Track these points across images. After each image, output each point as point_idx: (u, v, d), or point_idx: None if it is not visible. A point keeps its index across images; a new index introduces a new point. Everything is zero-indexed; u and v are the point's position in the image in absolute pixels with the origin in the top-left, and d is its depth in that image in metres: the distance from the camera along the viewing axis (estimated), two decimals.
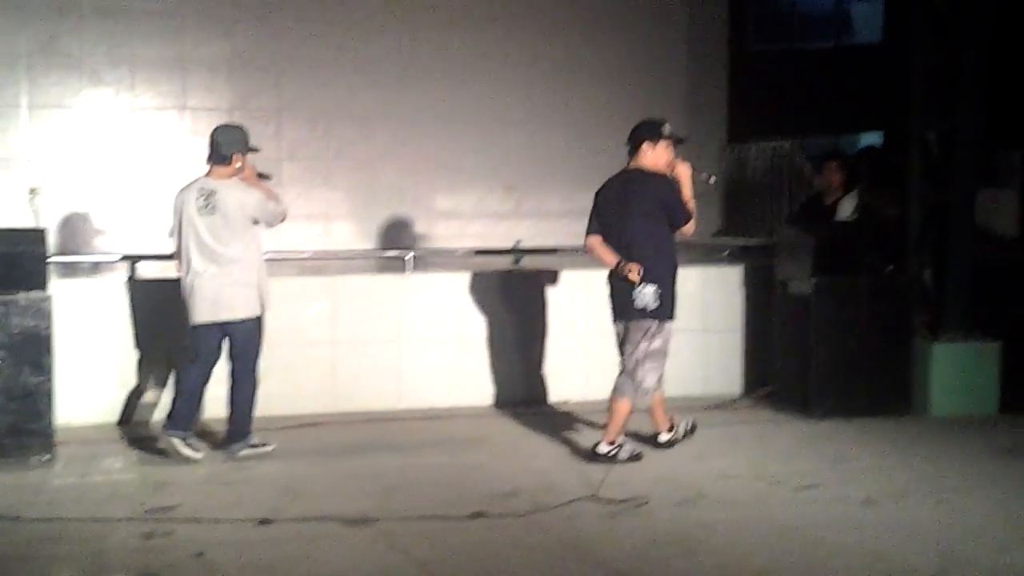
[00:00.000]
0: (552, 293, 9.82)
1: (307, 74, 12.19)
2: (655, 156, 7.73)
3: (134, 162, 11.87)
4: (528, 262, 10.20)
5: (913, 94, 9.59)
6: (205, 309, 7.68)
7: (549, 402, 9.64)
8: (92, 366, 8.79)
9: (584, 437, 8.43)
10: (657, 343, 7.68)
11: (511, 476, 7.39)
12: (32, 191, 10.88)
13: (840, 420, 8.79)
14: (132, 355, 8.92)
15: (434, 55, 12.43)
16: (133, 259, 9.17)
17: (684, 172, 7.76)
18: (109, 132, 11.88)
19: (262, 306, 7.80)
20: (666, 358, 7.77)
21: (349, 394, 9.22)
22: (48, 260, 8.03)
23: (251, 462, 7.75)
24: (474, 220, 12.47)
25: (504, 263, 10.23)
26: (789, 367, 9.38)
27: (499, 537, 6.17)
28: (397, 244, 9.77)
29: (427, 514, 6.48)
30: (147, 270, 9.29)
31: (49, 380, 7.67)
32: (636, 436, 8.12)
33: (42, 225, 9.21)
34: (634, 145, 7.79)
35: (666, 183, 7.74)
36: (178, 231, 7.76)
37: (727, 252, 10.93)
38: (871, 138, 22.01)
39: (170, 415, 7.86)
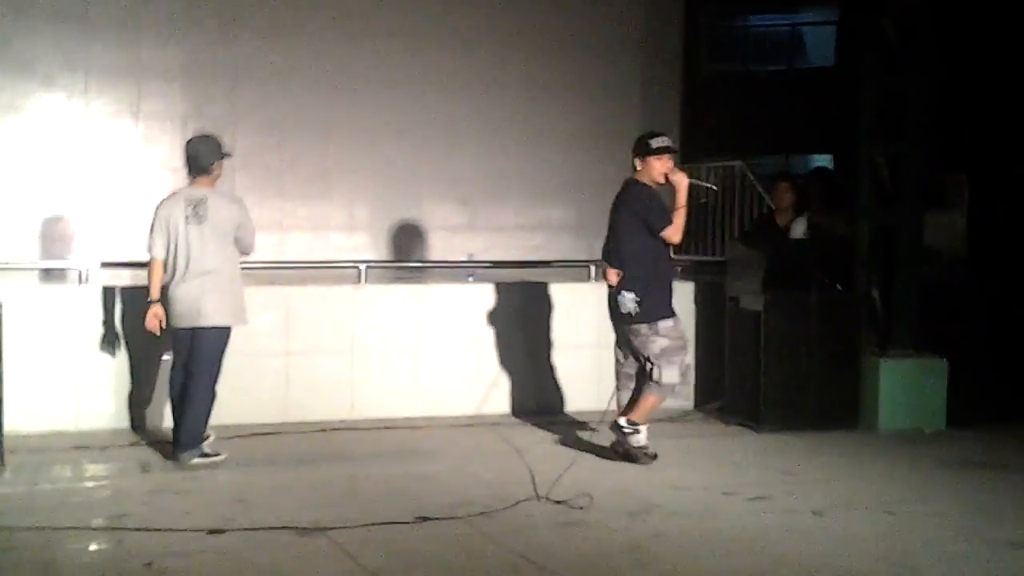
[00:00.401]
0: (505, 305, 9.87)
1: (262, 83, 12.17)
2: (647, 170, 8.06)
3: (87, 168, 11.79)
4: (482, 275, 10.25)
5: (863, 118, 9.78)
6: (185, 315, 7.82)
7: (503, 413, 9.66)
8: (43, 373, 8.73)
9: (537, 447, 8.48)
10: (662, 343, 7.99)
11: (463, 486, 7.40)
12: None
13: (790, 434, 8.88)
14: (85, 362, 8.86)
15: (391, 68, 12.44)
16: (113, 264, 9.18)
17: (680, 181, 8.00)
18: (62, 137, 11.79)
19: (234, 317, 7.92)
20: (683, 352, 8.08)
21: (302, 404, 9.22)
22: None
23: (202, 471, 7.72)
24: (428, 232, 12.48)
25: (458, 275, 10.26)
26: (740, 382, 9.47)
27: (450, 546, 6.17)
28: (351, 255, 9.77)
29: (378, 523, 6.47)
30: (99, 277, 9.26)
31: None
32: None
33: None
34: (633, 159, 8.17)
35: (643, 191, 8.05)
36: (165, 240, 7.84)
37: (679, 268, 10.98)
38: (822, 160, 22.23)
39: (177, 439, 7.87)
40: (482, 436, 8.97)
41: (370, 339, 9.56)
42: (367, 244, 12.14)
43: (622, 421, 8.08)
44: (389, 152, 12.44)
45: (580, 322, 9.88)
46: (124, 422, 8.98)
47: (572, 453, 8.28)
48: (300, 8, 12.31)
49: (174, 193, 8.02)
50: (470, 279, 10.24)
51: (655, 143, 8.07)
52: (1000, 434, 9.15)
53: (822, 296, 9.38)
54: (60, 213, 11.72)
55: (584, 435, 8.84)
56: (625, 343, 8.18)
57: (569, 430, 9.10)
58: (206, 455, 7.86)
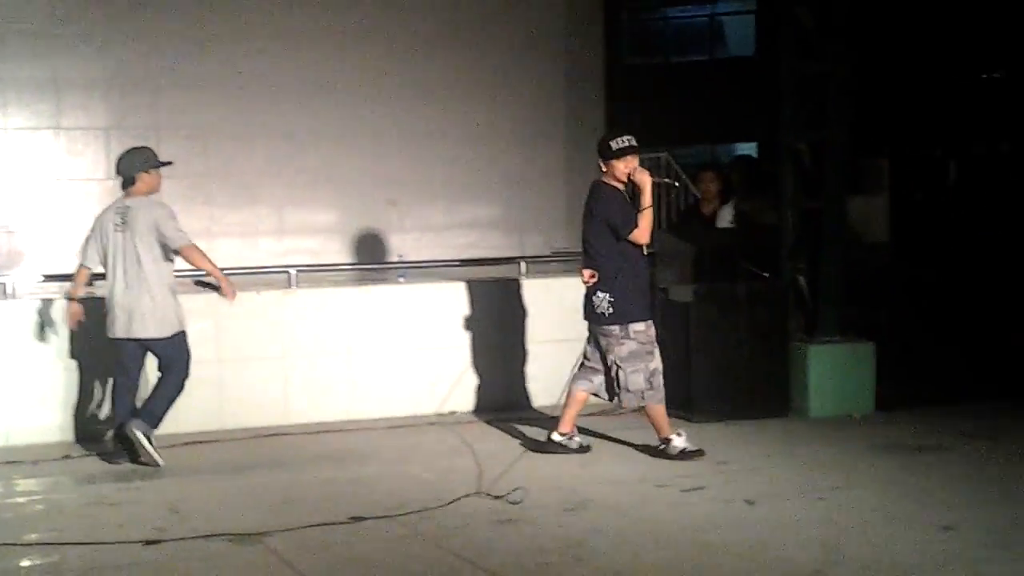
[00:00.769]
0: (436, 306, 9.90)
1: (185, 91, 12.03)
2: (611, 171, 8.04)
3: (5, 184, 11.62)
4: (411, 275, 10.27)
5: (784, 106, 9.87)
6: (120, 325, 8.04)
7: (438, 414, 9.69)
8: None
9: (472, 447, 8.50)
10: (631, 346, 7.98)
11: (400, 488, 7.41)
12: None
13: (721, 423, 8.98)
14: (15, 376, 8.81)
15: (314, 72, 12.36)
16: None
17: (643, 181, 7.98)
18: None
19: (165, 326, 8.04)
20: (650, 359, 8.04)
21: (235, 411, 9.19)
22: None
23: (137, 482, 7.69)
24: (358, 234, 12.45)
25: (388, 276, 10.26)
26: (671, 372, 9.52)
27: (388, 547, 6.18)
28: (281, 260, 9.75)
29: (315, 529, 6.46)
30: (24, 289, 9.19)
31: None
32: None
33: None
34: (598, 161, 8.16)
35: (604, 193, 8.08)
36: (96, 248, 8.11)
37: None
38: (747, 148, 22.46)
39: (137, 412, 8.09)
40: (419, 437, 8.99)
41: (303, 343, 9.54)
42: (296, 249, 12.08)
43: (554, 436, 8.19)
44: (316, 156, 12.39)
45: (520, 319, 9.97)
46: (68, 435, 8.93)
47: (512, 451, 8.31)
48: (221, 15, 12.20)
49: (110, 205, 8.24)
50: (401, 279, 10.25)
51: (615, 144, 8.01)
52: (929, 417, 9.27)
53: (749, 285, 9.48)
54: None
55: (525, 431, 8.89)
56: (595, 343, 8.17)
57: (507, 427, 9.15)
58: (150, 441, 7.97)
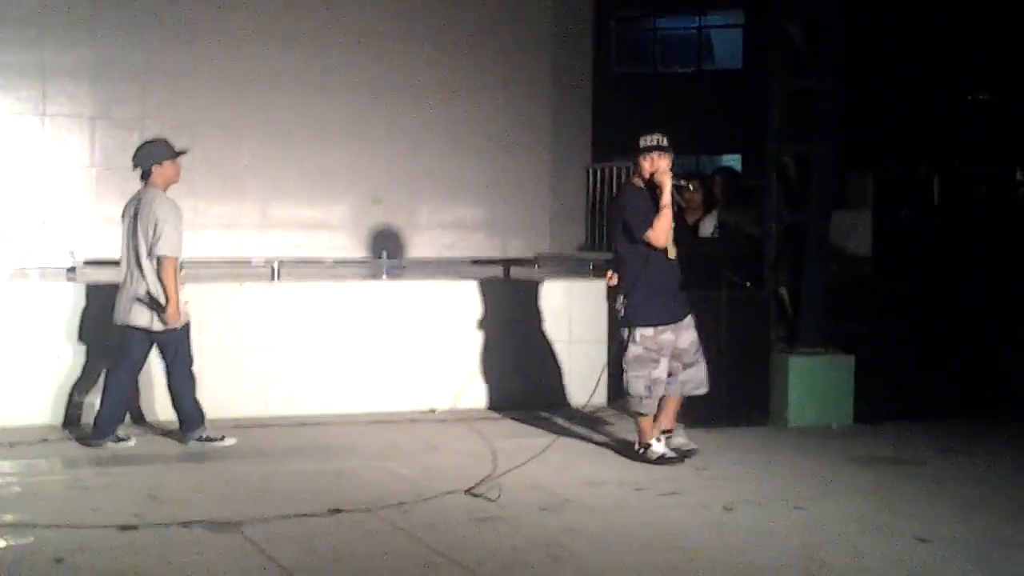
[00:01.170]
0: (418, 303, 9.90)
1: (172, 83, 12.05)
2: (638, 170, 7.99)
3: None
4: (393, 272, 10.29)
5: (770, 119, 9.91)
6: (120, 312, 8.19)
7: (420, 410, 9.68)
8: None
9: (451, 445, 8.50)
10: (636, 351, 7.93)
11: (379, 482, 7.41)
12: None
13: (701, 429, 8.97)
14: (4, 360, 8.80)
15: (303, 67, 12.38)
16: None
17: (663, 181, 7.87)
18: None
19: (154, 319, 8.10)
20: (654, 367, 7.91)
21: (216, 401, 9.10)
22: None
23: (115, 467, 7.71)
24: (342, 231, 12.45)
25: (372, 272, 10.27)
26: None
27: (365, 541, 6.17)
28: (265, 253, 9.74)
29: (292, 520, 6.45)
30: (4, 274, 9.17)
31: None
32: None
33: None
34: None
35: (624, 192, 8.16)
36: (121, 238, 8.32)
37: (592, 266, 11.12)
38: (731, 160, 22.54)
39: (95, 423, 8.22)
40: (399, 432, 8.97)
41: (284, 336, 9.53)
42: (280, 242, 12.06)
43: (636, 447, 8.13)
44: (302, 151, 12.38)
45: (503, 320, 10.01)
46: (48, 418, 8.89)
47: (491, 449, 8.31)
48: (210, 8, 12.21)
49: (134, 194, 8.38)
50: (384, 276, 10.26)
51: (642, 141, 7.92)
52: (906, 430, 9.31)
53: (732, 294, 9.50)
54: None
55: (505, 431, 8.89)
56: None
57: (487, 426, 9.15)
58: (210, 439, 8.24)
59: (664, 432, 8.11)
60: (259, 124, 12.33)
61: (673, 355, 8.02)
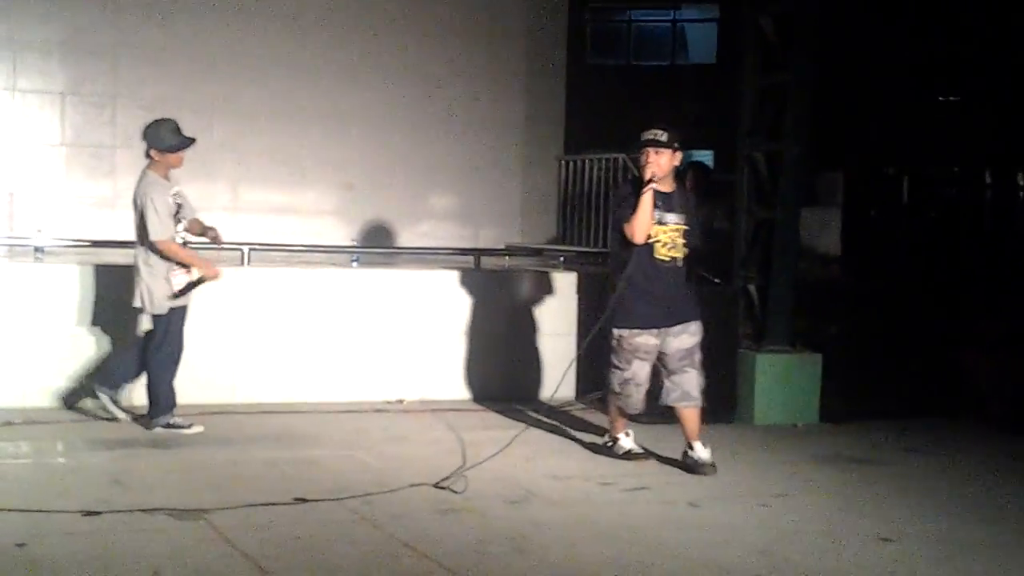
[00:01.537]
0: (389, 292, 9.88)
1: (145, 61, 11.95)
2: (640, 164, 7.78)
3: None
4: (363, 260, 10.26)
5: (742, 115, 9.93)
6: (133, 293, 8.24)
7: (386, 400, 9.66)
8: None
9: (418, 435, 8.49)
10: (613, 348, 7.83)
11: (345, 471, 7.40)
12: None
13: (668, 426, 8.97)
14: None
15: (276, 50, 12.31)
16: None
17: (643, 175, 7.72)
18: None
19: (144, 302, 8.17)
20: (626, 367, 7.77)
21: (182, 387, 9.07)
22: None
23: (81, 453, 7.67)
24: (312, 217, 12.40)
25: (342, 260, 10.23)
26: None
27: (329, 531, 6.15)
28: (234, 238, 9.68)
29: (257, 508, 6.43)
30: None
31: None
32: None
33: None
34: None
35: (619, 189, 8.14)
36: None
37: (562, 259, 11.13)
38: (703, 155, 22.55)
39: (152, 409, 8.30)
40: (365, 422, 8.96)
41: (252, 322, 9.49)
42: (251, 227, 11.99)
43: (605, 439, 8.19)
44: (274, 135, 12.32)
45: (472, 310, 10.03)
46: (25, 402, 8.87)
47: (457, 440, 8.31)
48: None
49: None
50: (354, 263, 10.23)
51: (643, 136, 7.70)
52: (871, 430, 9.37)
53: (700, 290, 9.50)
54: None
55: (473, 422, 8.89)
56: None
57: (454, 417, 9.15)
58: (176, 426, 8.22)
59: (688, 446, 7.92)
60: (231, 106, 12.24)
61: (659, 360, 7.88)
